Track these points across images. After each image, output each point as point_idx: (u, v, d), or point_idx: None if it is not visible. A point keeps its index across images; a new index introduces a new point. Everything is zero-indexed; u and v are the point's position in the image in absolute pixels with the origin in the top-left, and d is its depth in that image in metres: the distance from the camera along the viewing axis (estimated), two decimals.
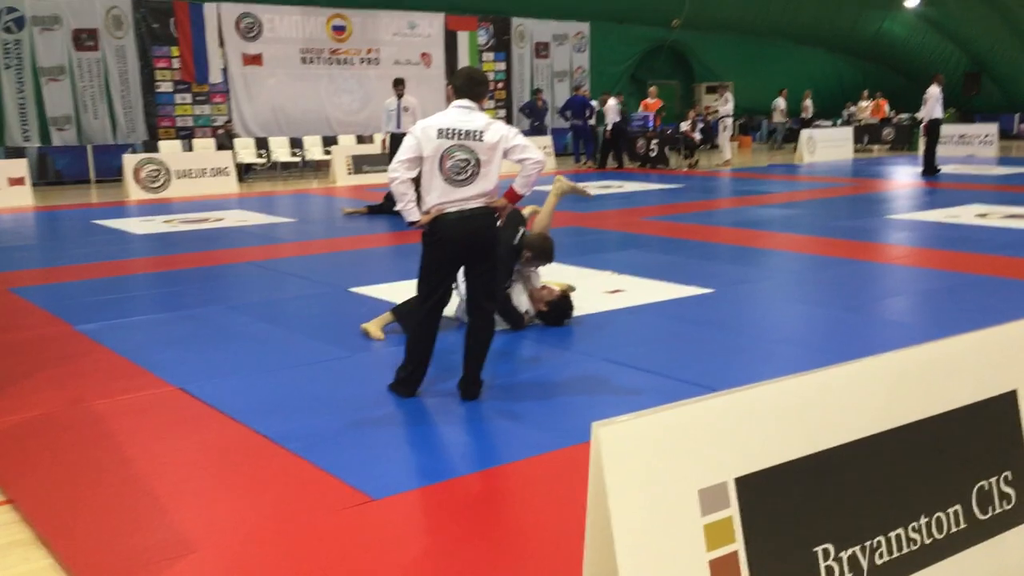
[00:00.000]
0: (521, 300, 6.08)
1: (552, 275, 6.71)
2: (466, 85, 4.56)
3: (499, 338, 5.66)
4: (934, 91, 16.33)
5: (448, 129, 4.41)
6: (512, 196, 4.61)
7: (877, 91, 26.63)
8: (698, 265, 8.35)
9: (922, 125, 16.59)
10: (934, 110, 16.40)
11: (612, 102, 20.14)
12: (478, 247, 4.52)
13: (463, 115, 4.47)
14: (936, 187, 15.16)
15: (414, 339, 4.68)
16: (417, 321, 4.68)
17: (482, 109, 4.59)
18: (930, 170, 16.54)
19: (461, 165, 4.39)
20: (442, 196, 4.42)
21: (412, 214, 4.51)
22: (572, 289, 6.52)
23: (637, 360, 5.29)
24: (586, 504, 2.13)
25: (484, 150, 4.40)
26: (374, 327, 5.91)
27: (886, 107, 25.79)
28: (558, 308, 6.13)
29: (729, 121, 21.23)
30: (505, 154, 4.46)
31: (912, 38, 29.70)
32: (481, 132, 4.41)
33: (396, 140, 13.75)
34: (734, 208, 12.84)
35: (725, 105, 21.30)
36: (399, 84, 13.88)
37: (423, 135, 4.44)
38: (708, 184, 16.85)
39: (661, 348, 5.65)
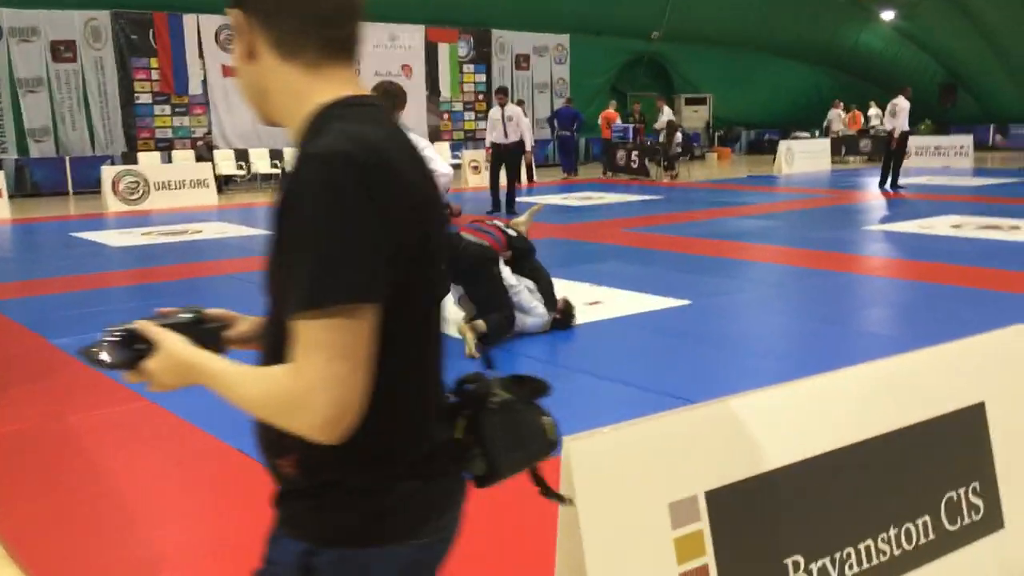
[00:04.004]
0: (534, 304, 6.21)
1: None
2: (380, 98, 4.66)
3: (477, 348, 5.68)
4: (904, 104, 16.37)
5: None
6: None
7: (853, 103, 26.88)
8: (676, 277, 8.39)
9: (893, 138, 16.53)
10: (905, 123, 16.45)
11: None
12: None
13: None
14: (911, 198, 15.31)
15: None
16: None
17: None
18: (896, 184, 16.53)
19: None
20: None
21: None
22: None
23: (614, 372, 5.31)
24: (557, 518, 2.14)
25: None
26: (472, 340, 5.76)
27: (862, 119, 26.05)
28: (567, 314, 6.41)
29: (665, 133, 21.18)
30: None
31: (888, 50, 30.05)
32: None
33: (499, 150, 13.62)
34: (713, 219, 12.92)
35: (662, 117, 21.34)
36: (502, 93, 13.74)
37: None
38: (688, 196, 16.94)
39: (638, 360, 5.67)
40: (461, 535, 3.40)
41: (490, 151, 13.88)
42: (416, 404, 1.34)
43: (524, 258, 6.45)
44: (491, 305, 5.99)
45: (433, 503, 1.37)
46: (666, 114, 21.59)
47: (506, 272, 6.20)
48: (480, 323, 5.83)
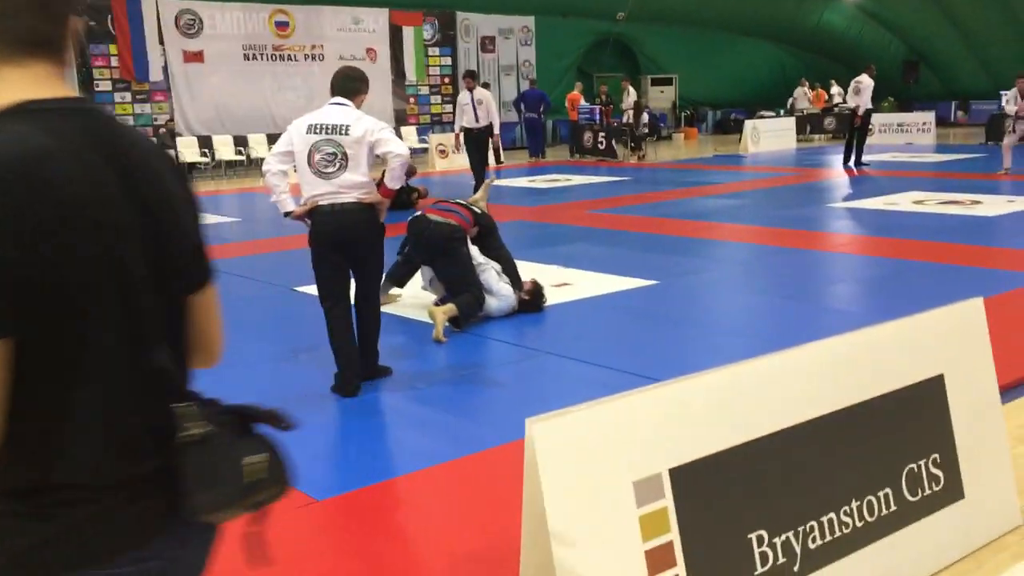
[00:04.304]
0: (501, 286, 6.21)
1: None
2: (340, 83, 4.76)
3: (445, 332, 5.68)
4: (868, 81, 16.45)
5: (317, 125, 4.59)
6: (385, 192, 4.76)
7: (817, 82, 27.04)
8: (643, 257, 8.42)
9: (856, 115, 16.61)
10: (868, 100, 16.54)
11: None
12: (350, 240, 4.65)
13: (335, 111, 4.65)
14: (874, 175, 15.46)
15: (333, 339, 4.75)
16: (328, 321, 4.75)
17: (359, 106, 4.74)
18: (860, 162, 16.64)
19: (328, 159, 4.56)
20: (313, 189, 4.61)
21: (286, 205, 4.73)
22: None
23: (581, 353, 5.33)
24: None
25: (350, 144, 4.56)
26: (441, 323, 5.74)
27: (826, 97, 26.21)
28: (536, 295, 6.37)
29: (631, 114, 21.19)
30: (372, 148, 4.61)
31: (851, 28, 30.23)
32: (348, 126, 4.57)
33: (470, 135, 13.39)
34: (680, 199, 12.96)
35: (628, 98, 21.37)
36: (469, 77, 13.53)
37: (295, 130, 4.65)
38: (655, 176, 16.98)
39: (605, 341, 5.69)
40: (428, 524, 3.37)
41: (460, 136, 13.69)
42: (76, 437, 1.24)
43: (489, 235, 6.43)
44: (462, 285, 5.99)
45: (113, 533, 1.27)
46: (631, 95, 21.61)
47: (474, 251, 6.21)
48: (451, 306, 5.82)
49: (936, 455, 2.86)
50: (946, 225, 9.71)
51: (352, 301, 4.84)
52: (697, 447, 2.30)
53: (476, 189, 13.33)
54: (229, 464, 1.33)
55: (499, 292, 6.18)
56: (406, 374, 5.03)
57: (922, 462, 2.82)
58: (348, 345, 4.74)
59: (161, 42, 19.25)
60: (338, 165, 4.56)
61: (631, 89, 21.93)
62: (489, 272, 6.19)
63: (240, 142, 19.95)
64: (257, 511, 1.41)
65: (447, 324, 5.76)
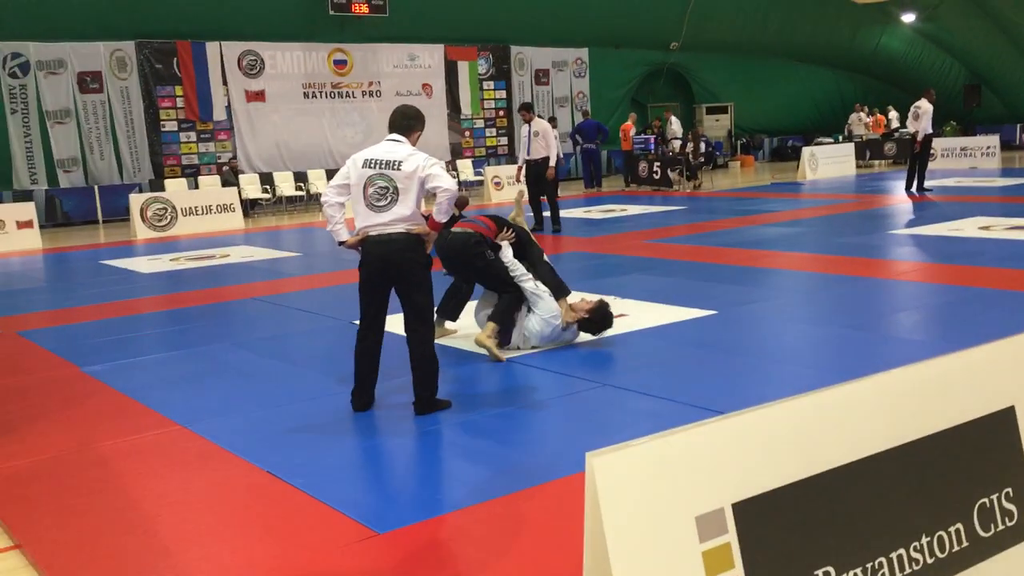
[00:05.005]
0: (541, 293, 6.13)
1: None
2: (396, 120, 4.99)
3: (502, 364, 5.69)
4: (927, 106, 16.18)
5: (372, 160, 4.83)
6: (433, 224, 4.92)
7: (875, 107, 26.66)
8: (701, 287, 8.36)
9: (916, 141, 16.32)
10: (928, 125, 16.26)
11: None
12: (394, 270, 4.84)
13: (389, 147, 4.87)
14: (938, 201, 15.15)
15: (356, 358, 5.01)
16: (356, 342, 5.02)
17: (414, 142, 4.96)
18: (922, 187, 16.34)
19: (381, 192, 4.78)
20: (365, 220, 4.84)
21: (340, 235, 4.97)
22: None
23: (640, 385, 5.30)
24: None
25: (402, 179, 4.78)
26: (491, 344, 5.95)
27: (885, 122, 25.83)
28: (599, 313, 6.31)
29: (677, 144, 21.10)
30: (423, 183, 4.79)
31: (910, 52, 29.81)
32: (400, 162, 4.79)
33: (528, 167, 13.46)
34: (737, 228, 12.84)
35: (671, 128, 21.35)
36: (526, 109, 13.62)
37: (352, 164, 4.90)
38: (711, 205, 16.87)
39: (664, 372, 5.65)
40: (489, 558, 3.37)
41: (521, 169, 13.64)
42: None
43: (525, 247, 6.40)
44: (499, 287, 6.12)
45: None
46: (675, 124, 21.62)
47: (508, 254, 6.20)
48: (490, 325, 6.00)
49: (1008, 489, 2.78)
50: (1014, 251, 9.46)
51: (404, 333, 5.00)
52: (761, 481, 2.27)
53: (535, 222, 13.38)
54: None
55: (539, 301, 6.08)
56: (462, 406, 5.06)
57: (994, 496, 2.74)
58: (366, 367, 4.99)
59: (224, 83, 19.82)
60: (390, 199, 4.78)
61: (674, 119, 21.95)
62: (526, 283, 6.13)
63: (300, 178, 20.36)
64: None
65: (495, 339, 5.97)
